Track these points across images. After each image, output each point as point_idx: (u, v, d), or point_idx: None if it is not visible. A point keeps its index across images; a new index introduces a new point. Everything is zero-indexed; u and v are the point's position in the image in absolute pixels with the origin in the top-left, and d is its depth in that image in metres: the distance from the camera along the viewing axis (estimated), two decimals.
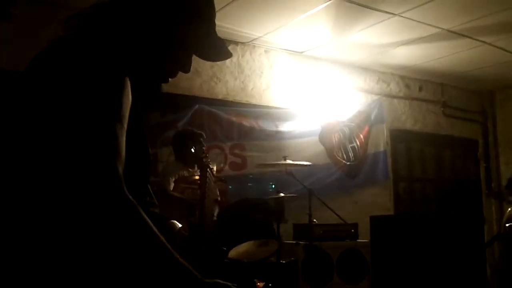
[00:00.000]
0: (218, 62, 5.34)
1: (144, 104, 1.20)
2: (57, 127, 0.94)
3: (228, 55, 1.29)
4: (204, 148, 4.19)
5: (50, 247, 0.94)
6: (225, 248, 1.50)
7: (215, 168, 4.05)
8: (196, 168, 4.15)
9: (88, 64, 0.99)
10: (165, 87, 1.25)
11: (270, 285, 3.94)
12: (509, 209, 3.33)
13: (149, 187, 1.24)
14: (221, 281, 1.05)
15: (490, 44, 5.58)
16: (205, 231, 3.66)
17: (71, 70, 0.98)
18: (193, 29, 1.19)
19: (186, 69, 1.23)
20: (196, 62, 1.26)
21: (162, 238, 0.95)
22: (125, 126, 0.99)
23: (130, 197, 0.92)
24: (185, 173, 4.06)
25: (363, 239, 4.77)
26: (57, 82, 0.97)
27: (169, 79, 1.23)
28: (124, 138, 0.98)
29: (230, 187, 4.40)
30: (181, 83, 4.84)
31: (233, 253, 3.71)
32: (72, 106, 0.94)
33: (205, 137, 4.25)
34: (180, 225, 1.27)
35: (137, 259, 0.92)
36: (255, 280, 3.94)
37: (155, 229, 0.94)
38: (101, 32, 1.10)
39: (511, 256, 3.05)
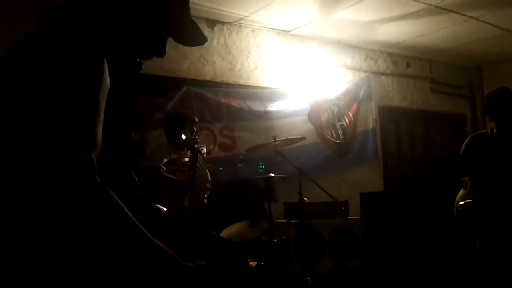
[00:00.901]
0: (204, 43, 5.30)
1: (124, 85, 1.19)
2: (33, 118, 0.94)
3: (203, 40, 1.28)
4: (195, 131, 4.18)
5: (26, 235, 0.94)
6: (214, 232, 1.49)
7: (205, 150, 4.06)
8: (186, 150, 4.14)
9: (63, 54, 0.99)
10: (153, 70, 1.25)
11: (262, 264, 3.98)
12: (461, 190, 3.36)
13: (133, 172, 1.24)
14: (205, 263, 1.05)
15: (476, 19, 5.58)
16: (194, 214, 3.68)
17: (46, 62, 0.98)
18: (167, 12, 1.18)
19: (161, 53, 1.22)
20: None
21: (137, 222, 0.95)
22: (101, 113, 0.99)
23: (103, 183, 0.92)
24: (175, 156, 4.05)
25: (354, 216, 4.82)
26: (33, 74, 0.97)
27: (142, 63, 1.22)
28: (100, 126, 0.98)
29: (220, 168, 4.40)
30: (168, 65, 4.80)
31: (224, 233, 3.73)
32: (49, 96, 0.94)
33: (197, 120, 4.23)
34: (165, 209, 1.26)
35: (112, 243, 0.92)
36: (248, 259, 3.97)
37: (129, 213, 0.94)
38: (75, 19, 1.09)
39: (468, 236, 3.10)
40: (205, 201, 4.07)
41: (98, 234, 0.91)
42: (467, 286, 2.45)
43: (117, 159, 1.13)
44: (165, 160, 3.97)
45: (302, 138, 4.84)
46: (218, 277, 1.06)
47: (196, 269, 1.02)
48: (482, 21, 5.66)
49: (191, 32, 1.26)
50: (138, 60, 1.20)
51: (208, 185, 4.14)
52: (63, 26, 1.06)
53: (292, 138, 4.72)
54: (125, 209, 0.94)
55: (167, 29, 1.21)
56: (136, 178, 1.25)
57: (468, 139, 3.65)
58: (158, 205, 1.28)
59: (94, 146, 0.95)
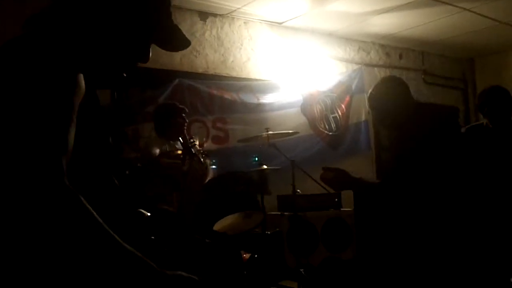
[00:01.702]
0: (197, 36, 5.28)
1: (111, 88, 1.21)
2: (4, 123, 0.94)
3: (187, 44, 1.28)
4: (186, 121, 4.17)
5: None
6: (201, 237, 1.47)
7: (197, 143, 4.04)
8: (178, 142, 4.13)
9: (37, 61, 0.99)
10: (140, 63, 1.24)
11: (256, 256, 3.98)
12: None
13: (114, 178, 1.23)
14: (184, 274, 1.03)
15: (469, 10, 5.58)
16: (186, 209, 3.68)
17: (20, 70, 0.98)
18: (148, 19, 1.18)
19: (145, 59, 1.22)
20: None
21: (107, 228, 0.94)
22: (74, 120, 0.99)
23: (71, 188, 0.92)
24: (167, 148, 4.03)
25: (347, 207, 4.83)
26: (7, 80, 0.98)
27: (128, 70, 1.22)
28: (71, 132, 0.98)
29: (213, 161, 4.38)
30: (160, 58, 4.77)
31: (218, 226, 3.73)
32: (21, 102, 0.95)
33: (187, 111, 4.22)
34: (148, 214, 1.25)
35: (79, 249, 0.91)
36: (241, 251, 3.98)
37: (98, 219, 0.93)
38: (53, 28, 1.09)
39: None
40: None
41: (65, 238, 0.90)
42: (461, 277, 2.47)
43: (95, 166, 1.12)
44: (158, 152, 3.95)
45: (296, 133, 4.84)
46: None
47: (172, 278, 1.00)
48: (474, 13, 5.67)
49: (174, 37, 1.26)
50: (122, 68, 1.20)
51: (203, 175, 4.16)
52: (41, 35, 1.06)
53: (285, 132, 4.72)
54: (94, 214, 0.93)
55: (150, 36, 1.20)
56: (121, 184, 1.23)
57: (464, 130, 3.66)
58: (141, 210, 1.26)
59: (64, 151, 0.95)
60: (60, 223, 0.90)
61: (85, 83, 1.06)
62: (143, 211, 1.27)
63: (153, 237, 1.28)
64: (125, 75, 1.20)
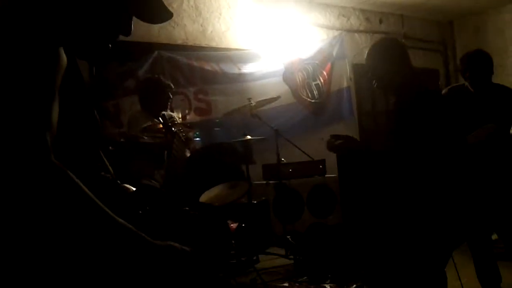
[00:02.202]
0: (174, 6, 5.19)
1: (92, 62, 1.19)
2: None
3: (168, 15, 1.26)
4: (171, 98, 4.12)
5: None
6: (187, 208, 1.47)
7: (180, 116, 4.02)
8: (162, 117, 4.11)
9: (18, 37, 0.96)
10: (122, 36, 1.22)
11: (243, 225, 4.02)
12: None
13: (101, 152, 1.22)
14: (176, 244, 1.04)
15: None
16: (172, 184, 3.68)
17: (1, 46, 0.95)
18: None
19: (126, 32, 1.20)
20: None
21: (98, 201, 0.94)
22: (56, 96, 0.98)
23: (59, 164, 0.92)
24: (150, 122, 4.00)
25: (331, 174, 4.87)
26: None
27: (109, 44, 1.20)
28: (55, 108, 0.98)
29: (196, 133, 4.36)
30: (138, 31, 4.60)
31: (204, 197, 3.74)
32: (2, 80, 0.93)
33: (172, 87, 4.16)
34: (133, 189, 1.24)
35: (71, 223, 0.91)
36: (228, 221, 4.01)
37: (89, 193, 0.94)
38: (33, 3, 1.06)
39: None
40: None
41: (56, 214, 0.90)
42: (444, 242, 2.54)
43: (81, 140, 1.11)
44: (140, 128, 3.92)
45: (277, 98, 4.82)
46: (188, 259, 1.04)
47: (164, 248, 1.01)
48: None
49: (155, 9, 1.24)
50: (104, 40, 1.17)
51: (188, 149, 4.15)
52: (20, 7, 1.02)
53: (268, 99, 4.70)
54: (84, 188, 0.93)
55: (130, 7, 1.18)
56: (105, 159, 1.22)
57: (446, 90, 3.68)
58: (125, 185, 1.26)
59: (48, 128, 0.95)
60: (50, 199, 0.89)
61: (67, 57, 1.04)
62: (127, 186, 1.27)
63: (140, 212, 1.28)
64: (110, 46, 1.18)
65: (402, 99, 2.62)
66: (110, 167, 1.24)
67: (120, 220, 0.96)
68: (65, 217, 0.91)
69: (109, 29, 1.17)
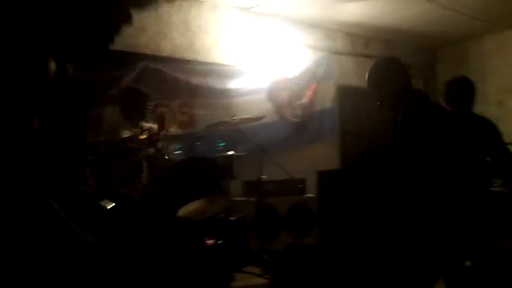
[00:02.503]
0: (163, 18, 5.19)
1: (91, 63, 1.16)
2: None
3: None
4: (149, 108, 4.12)
5: None
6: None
7: (157, 128, 3.99)
8: (142, 126, 4.07)
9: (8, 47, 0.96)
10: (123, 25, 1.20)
11: (220, 241, 3.99)
12: None
13: (86, 167, 1.20)
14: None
15: (433, 1, 5.67)
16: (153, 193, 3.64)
17: None
18: None
19: (128, 21, 1.19)
20: (141, 18, 1.22)
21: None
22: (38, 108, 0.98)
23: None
24: (130, 133, 3.97)
25: (312, 193, 4.88)
26: None
27: (114, 36, 1.18)
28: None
29: (178, 146, 4.34)
30: (125, 40, 4.66)
31: (182, 211, 3.71)
32: None
33: (149, 96, 4.16)
34: (110, 206, 1.23)
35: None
36: (205, 237, 3.98)
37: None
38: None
39: None
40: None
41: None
42: (427, 263, 2.54)
43: (67, 154, 1.09)
44: (120, 137, 3.89)
45: (262, 117, 4.84)
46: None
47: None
48: (438, 4, 5.76)
49: None
50: (110, 34, 1.16)
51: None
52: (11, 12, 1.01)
53: (252, 118, 4.71)
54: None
55: None
56: (88, 173, 1.21)
57: None
58: (102, 202, 1.24)
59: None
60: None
61: (58, 65, 1.03)
62: (104, 203, 1.24)
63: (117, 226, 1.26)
64: (113, 41, 1.17)
65: (411, 113, 2.64)
66: (89, 178, 1.23)
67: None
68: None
69: (111, 22, 1.16)
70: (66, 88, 1.12)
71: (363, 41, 7.07)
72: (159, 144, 3.85)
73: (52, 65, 1.03)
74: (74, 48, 1.13)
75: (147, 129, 3.81)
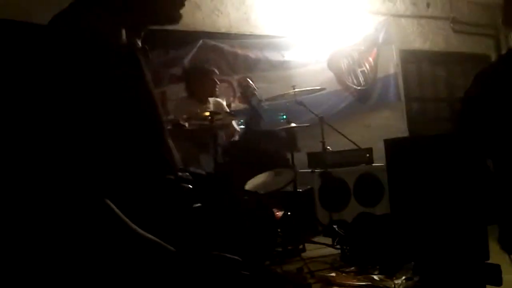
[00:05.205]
0: None
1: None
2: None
3: None
4: (218, 84, 4.15)
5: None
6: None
7: (225, 103, 4.02)
8: (208, 103, 4.12)
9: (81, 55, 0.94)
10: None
11: (288, 213, 3.99)
12: None
13: (165, 154, 1.18)
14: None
15: None
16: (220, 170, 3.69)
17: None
18: None
19: None
20: None
21: (129, 223, 0.92)
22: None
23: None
24: (197, 110, 4.01)
25: (378, 162, 4.78)
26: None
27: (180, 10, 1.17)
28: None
29: (240, 121, 4.36)
30: (183, 19, 4.68)
31: (249, 185, 3.73)
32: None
33: (217, 73, 4.20)
34: (190, 186, 1.21)
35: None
36: (274, 209, 3.99)
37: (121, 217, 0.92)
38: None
39: None
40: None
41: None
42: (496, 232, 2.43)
43: (146, 144, 1.08)
44: (187, 115, 3.94)
45: (323, 89, 4.77)
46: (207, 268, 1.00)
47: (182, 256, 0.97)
48: None
49: None
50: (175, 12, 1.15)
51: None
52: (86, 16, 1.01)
53: (312, 89, 4.64)
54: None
55: None
56: (169, 159, 1.19)
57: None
58: (184, 185, 1.22)
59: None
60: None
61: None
62: (185, 185, 1.22)
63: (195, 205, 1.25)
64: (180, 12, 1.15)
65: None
66: (175, 159, 1.21)
67: (152, 238, 0.94)
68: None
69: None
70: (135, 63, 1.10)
71: (424, 1, 6.77)
72: (224, 120, 3.87)
73: (124, 41, 1.02)
74: (149, 21, 1.13)
75: (214, 105, 3.85)
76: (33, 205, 0.87)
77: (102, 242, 0.90)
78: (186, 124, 3.85)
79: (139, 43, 1.14)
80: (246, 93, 3.41)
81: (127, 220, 0.92)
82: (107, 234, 0.91)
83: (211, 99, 4.12)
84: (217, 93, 4.29)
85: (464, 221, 2.77)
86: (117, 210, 0.91)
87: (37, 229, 0.89)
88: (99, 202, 0.90)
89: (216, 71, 4.20)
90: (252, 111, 3.66)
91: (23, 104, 0.89)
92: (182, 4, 1.16)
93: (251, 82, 3.46)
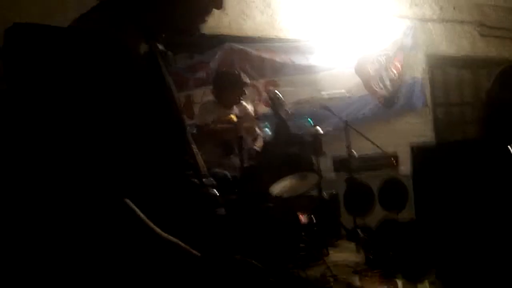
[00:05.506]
0: None
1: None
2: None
3: None
4: (245, 93, 4.16)
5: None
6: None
7: (252, 107, 4.04)
8: (232, 108, 4.15)
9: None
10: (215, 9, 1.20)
11: (313, 217, 4.00)
12: None
13: (189, 158, 1.19)
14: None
15: None
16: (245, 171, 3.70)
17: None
18: None
19: (218, 4, 1.17)
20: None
21: (150, 224, 0.93)
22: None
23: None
24: (221, 114, 4.04)
25: (403, 167, 4.75)
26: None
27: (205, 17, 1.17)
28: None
29: (266, 124, 4.38)
30: (208, 23, 4.68)
31: (273, 189, 3.74)
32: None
33: (248, 84, 4.19)
34: (215, 191, 1.22)
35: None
36: (298, 213, 4.00)
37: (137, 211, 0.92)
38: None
39: None
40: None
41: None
42: None
43: (170, 143, 1.09)
44: (213, 118, 3.97)
45: (349, 94, 4.78)
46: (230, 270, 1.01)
47: (205, 260, 0.98)
48: None
49: None
50: (201, 18, 1.16)
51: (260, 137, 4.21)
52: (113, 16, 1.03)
53: (338, 92, 4.65)
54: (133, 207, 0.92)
55: None
56: (194, 162, 1.19)
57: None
58: (207, 189, 1.22)
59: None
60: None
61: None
62: (212, 191, 1.23)
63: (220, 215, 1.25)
64: (206, 20, 1.16)
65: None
66: (200, 162, 1.22)
67: (174, 241, 0.95)
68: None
69: (202, 6, 1.15)
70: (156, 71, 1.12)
71: (451, 5, 6.70)
72: (249, 124, 3.90)
73: (143, 46, 1.03)
74: (167, 29, 1.14)
75: (239, 110, 3.87)
76: (55, 203, 0.89)
77: (123, 242, 0.91)
78: (215, 127, 3.87)
79: (161, 47, 1.15)
80: (274, 105, 3.42)
81: (149, 222, 0.93)
82: (128, 234, 0.91)
83: (236, 104, 4.14)
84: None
85: (491, 228, 2.74)
86: (139, 212, 0.92)
87: (59, 227, 0.90)
88: (120, 202, 0.91)
89: (248, 81, 4.19)
90: (280, 123, 3.67)
91: (47, 107, 0.91)
92: (202, 19, 1.16)
93: (279, 94, 3.46)
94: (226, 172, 3.59)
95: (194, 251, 0.96)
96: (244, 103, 4.26)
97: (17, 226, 0.94)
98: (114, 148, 0.93)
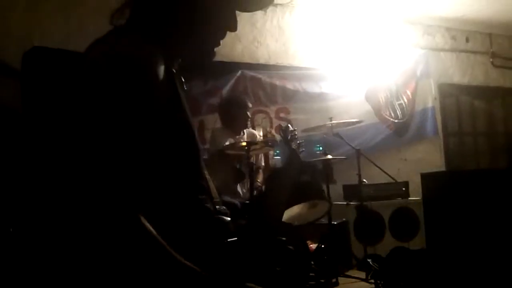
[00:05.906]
0: (258, 26, 5.29)
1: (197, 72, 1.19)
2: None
3: (268, 1, 1.20)
4: (249, 117, 4.21)
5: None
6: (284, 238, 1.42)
7: (261, 134, 4.07)
8: (242, 134, 4.18)
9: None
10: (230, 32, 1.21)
11: (322, 246, 3.97)
12: None
13: (203, 183, 1.19)
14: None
15: None
16: (254, 198, 3.70)
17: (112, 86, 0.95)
18: None
19: (232, 27, 1.17)
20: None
21: (167, 247, 0.92)
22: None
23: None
24: (232, 140, 4.08)
25: (414, 196, 4.72)
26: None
27: (220, 41, 1.18)
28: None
29: (276, 151, 4.39)
30: (222, 50, 4.71)
31: (284, 216, 3.74)
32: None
33: (250, 105, 4.25)
34: (228, 219, 1.22)
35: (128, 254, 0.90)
36: (308, 242, 3.98)
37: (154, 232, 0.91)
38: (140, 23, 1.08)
39: None
40: (259, 184, 4.11)
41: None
42: None
43: (184, 167, 1.09)
44: (222, 144, 4.00)
45: (360, 122, 4.78)
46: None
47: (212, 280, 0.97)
48: None
49: None
50: (214, 42, 1.17)
51: (260, 170, 4.23)
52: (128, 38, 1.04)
53: (349, 121, 4.66)
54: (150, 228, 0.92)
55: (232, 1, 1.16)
56: (207, 186, 1.20)
57: None
58: (221, 216, 1.23)
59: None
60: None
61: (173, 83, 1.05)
62: (223, 217, 1.23)
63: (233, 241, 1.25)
64: (219, 45, 1.17)
65: None
66: (212, 188, 1.22)
67: (187, 264, 0.94)
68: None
69: (218, 28, 1.16)
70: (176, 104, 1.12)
71: (464, 35, 6.73)
72: (260, 150, 3.91)
73: (162, 69, 1.03)
74: (185, 52, 1.15)
75: (248, 137, 3.90)
76: (73, 217, 0.90)
77: (135, 260, 0.90)
78: (227, 153, 3.90)
79: (176, 71, 1.16)
80: (286, 138, 3.46)
81: (164, 242, 0.92)
82: (141, 253, 0.90)
83: (245, 130, 4.18)
84: (249, 125, 4.34)
85: (503, 258, 2.70)
86: (153, 232, 0.91)
87: (74, 242, 0.91)
88: (136, 222, 0.90)
89: (250, 104, 4.25)
90: (292, 155, 3.69)
91: (67, 129, 0.94)
92: (218, 42, 1.18)
93: (291, 126, 3.51)
94: (237, 202, 3.60)
95: (207, 275, 0.95)
96: (252, 130, 4.29)
97: (32, 241, 0.96)
98: (133, 167, 0.93)
